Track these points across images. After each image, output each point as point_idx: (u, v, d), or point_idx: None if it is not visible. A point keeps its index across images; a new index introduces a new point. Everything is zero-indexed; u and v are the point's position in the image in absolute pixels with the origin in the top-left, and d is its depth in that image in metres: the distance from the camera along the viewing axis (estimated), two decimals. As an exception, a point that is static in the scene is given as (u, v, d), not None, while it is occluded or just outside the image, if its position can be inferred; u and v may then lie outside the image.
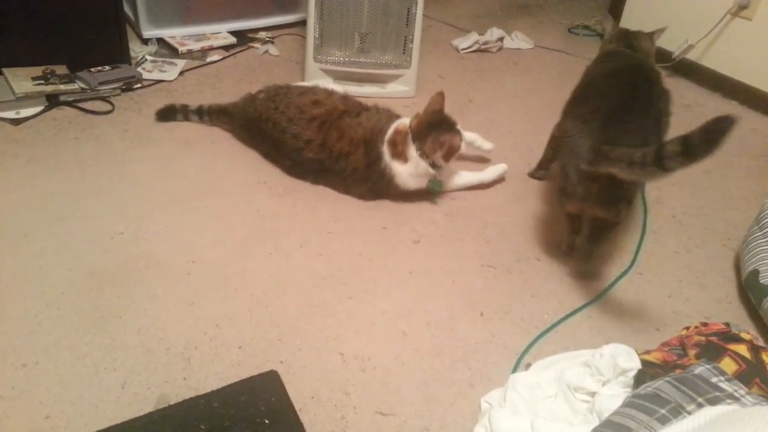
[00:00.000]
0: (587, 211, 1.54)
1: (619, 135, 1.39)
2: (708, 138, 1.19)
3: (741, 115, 2.50)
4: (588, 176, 1.42)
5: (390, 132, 1.79)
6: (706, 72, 2.66)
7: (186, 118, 2.09)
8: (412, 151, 1.76)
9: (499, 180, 1.95)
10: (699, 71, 2.68)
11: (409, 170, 1.78)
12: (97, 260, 1.53)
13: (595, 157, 1.37)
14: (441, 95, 1.81)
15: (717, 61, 2.62)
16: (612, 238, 1.72)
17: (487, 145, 2.05)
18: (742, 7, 2.47)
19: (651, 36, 1.84)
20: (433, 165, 1.77)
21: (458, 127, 1.80)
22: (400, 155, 1.77)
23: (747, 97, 2.54)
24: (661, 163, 1.25)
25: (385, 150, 1.77)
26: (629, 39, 1.83)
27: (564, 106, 1.77)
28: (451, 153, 1.77)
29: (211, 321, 1.40)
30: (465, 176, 1.91)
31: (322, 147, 1.80)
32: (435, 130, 1.75)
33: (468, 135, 1.96)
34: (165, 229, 1.65)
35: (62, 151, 1.91)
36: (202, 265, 1.55)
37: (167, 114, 2.09)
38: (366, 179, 1.80)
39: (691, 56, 2.68)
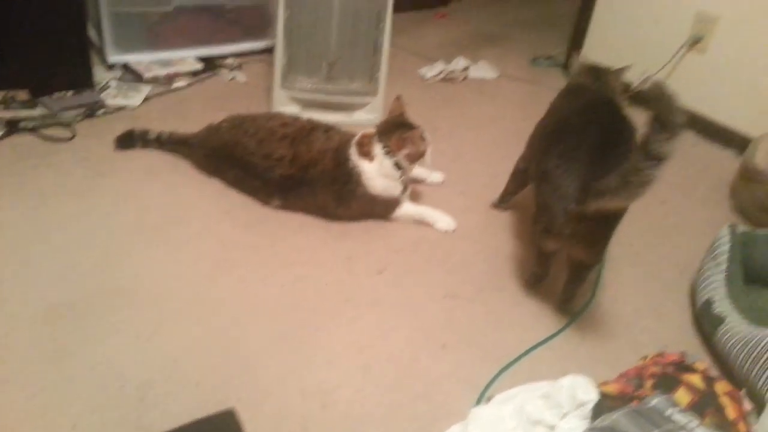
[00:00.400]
0: (568, 252, 1.55)
1: (604, 174, 1.37)
2: (665, 110, 1.27)
3: (697, 143, 2.58)
4: (576, 216, 1.42)
5: (357, 136, 1.85)
6: (664, 103, 2.73)
7: (145, 146, 2.07)
8: (378, 148, 1.81)
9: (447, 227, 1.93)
10: (657, 102, 2.76)
11: (375, 168, 1.81)
12: (55, 292, 1.50)
13: (585, 197, 1.38)
14: (399, 100, 1.90)
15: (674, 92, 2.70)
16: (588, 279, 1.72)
17: (434, 177, 2.09)
18: (697, 41, 2.56)
19: (617, 73, 1.87)
20: (398, 165, 1.81)
21: (423, 130, 1.84)
22: (366, 154, 1.81)
23: (702, 127, 2.62)
24: (651, 152, 1.27)
25: (353, 150, 1.82)
26: (598, 74, 1.84)
27: (531, 139, 1.82)
28: (415, 153, 1.81)
29: (169, 355, 1.37)
30: (410, 208, 1.92)
31: (293, 162, 1.82)
32: (399, 128, 1.81)
33: (416, 171, 1.99)
34: (126, 260, 1.63)
35: (22, 180, 1.87)
36: (163, 297, 1.53)
37: (126, 141, 2.06)
38: (334, 181, 1.81)
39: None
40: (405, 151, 1.80)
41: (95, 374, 1.32)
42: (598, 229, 1.47)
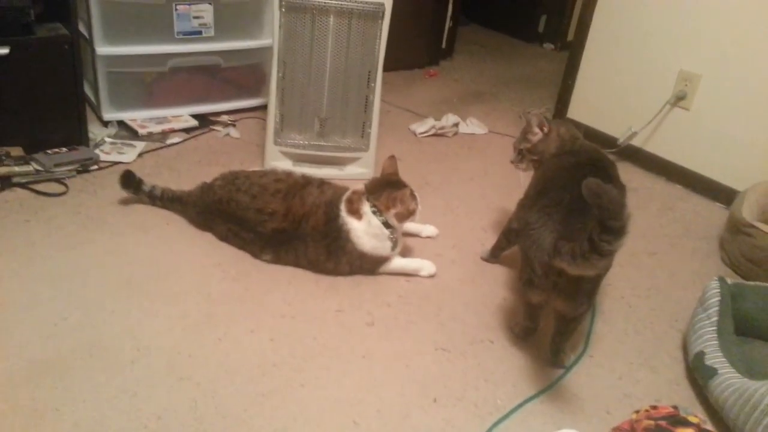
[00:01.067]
0: (552, 304, 1.54)
1: (582, 227, 1.36)
2: (610, 212, 1.23)
3: (684, 197, 2.61)
4: (552, 269, 1.41)
5: (348, 192, 1.86)
6: (650, 157, 2.79)
7: (137, 193, 2.06)
8: (366, 207, 1.81)
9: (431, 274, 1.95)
10: (643, 157, 2.81)
11: (363, 227, 1.81)
12: (38, 348, 1.48)
13: (554, 252, 1.38)
14: (393, 159, 1.91)
15: (659, 147, 2.76)
16: (580, 331, 1.73)
17: (428, 231, 2.11)
18: (680, 98, 2.63)
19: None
20: (387, 224, 1.81)
21: (412, 189, 1.85)
22: (355, 212, 1.81)
23: (689, 181, 2.66)
24: (597, 248, 1.26)
25: (343, 207, 1.83)
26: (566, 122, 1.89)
27: (522, 199, 1.83)
28: (404, 212, 1.81)
29: (154, 413, 1.35)
30: (397, 263, 1.92)
31: (285, 216, 1.83)
32: (389, 188, 1.82)
33: (409, 225, 2.00)
34: (112, 314, 1.61)
35: (12, 234, 1.87)
36: (148, 353, 1.51)
37: (127, 180, 2.04)
38: (324, 236, 1.82)
39: (635, 142, 2.81)
40: (394, 211, 1.80)
41: (77, 432, 1.29)
42: (579, 284, 1.44)
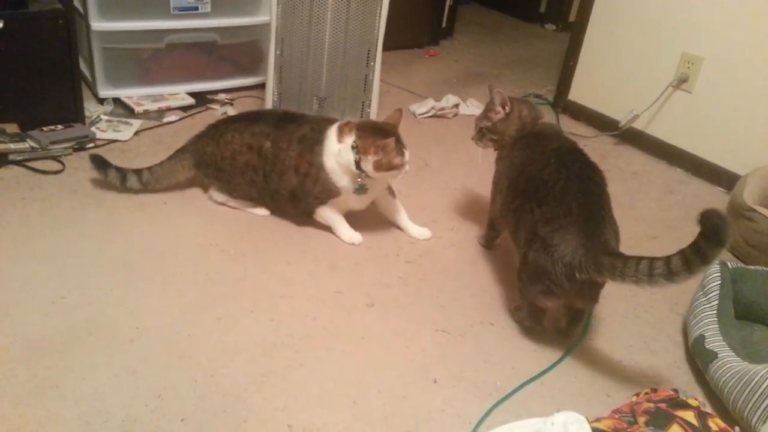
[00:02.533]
0: (570, 305, 1.57)
1: (599, 232, 1.44)
2: (712, 239, 1.25)
3: (686, 181, 2.60)
4: (581, 281, 1.42)
5: (342, 121, 1.86)
6: (652, 140, 2.77)
7: (107, 176, 1.98)
8: (349, 139, 1.78)
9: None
10: (645, 140, 2.80)
11: (335, 150, 1.80)
12: (37, 326, 1.47)
13: (596, 272, 1.39)
14: (399, 112, 1.87)
15: (661, 130, 2.74)
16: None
17: (420, 233, 2.02)
18: (683, 81, 2.61)
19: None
20: (358, 165, 1.78)
21: (405, 150, 1.79)
22: (339, 136, 1.80)
23: (691, 165, 2.65)
24: (673, 277, 1.32)
25: (333, 128, 1.83)
26: (527, 102, 1.85)
27: (495, 194, 1.81)
28: (384, 163, 1.75)
29: (154, 391, 1.34)
30: (328, 212, 1.93)
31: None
32: (378, 134, 1.76)
33: (401, 221, 2.02)
34: (110, 293, 1.60)
35: (8, 212, 1.85)
36: (147, 332, 1.50)
37: (98, 162, 1.99)
38: (303, 151, 1.84)
39: (637, 125, 2.80)
40: (371, 157, 1.74)
41: (78, 409, 1.28)
42: (601, 284, 1.51)
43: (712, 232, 1.25)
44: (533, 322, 1.63)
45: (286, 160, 1.86)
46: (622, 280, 1.37)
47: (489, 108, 1.81)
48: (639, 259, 1.35)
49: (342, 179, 1.83)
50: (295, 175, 1.87)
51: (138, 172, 1.98)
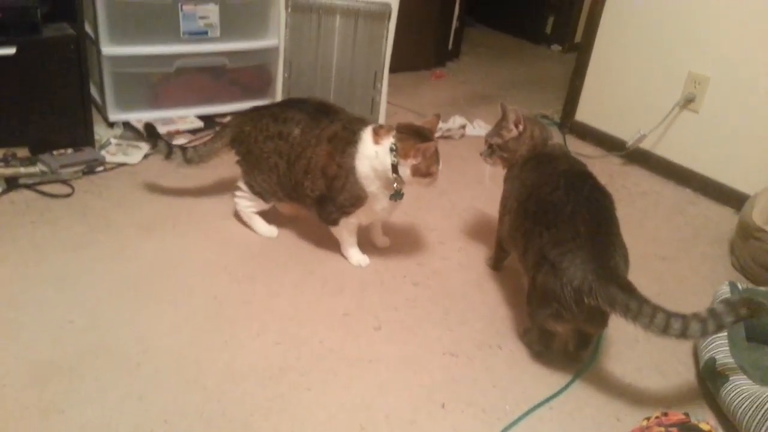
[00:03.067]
0: (579, 329, 1.56)
1: (608, 256, 1.44)
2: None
3: (694, 201, 2.59)
4: (590, 305, 1.41)
5: (376, 125, 1.79)
6: (659, 160, 2.77)
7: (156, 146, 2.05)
8: (387, 141, 1.72)
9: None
10: (652, 160, 2.79)
11: (371, 153, 1.72)
12: (45, 350, 1.47)
13: (608, 300, 1.38)
14: (437, 117, 1.83)
15: (669, 150, 2.74)
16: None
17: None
18: (689, 101, 2.61)
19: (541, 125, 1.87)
20: (395, 169, 1.71)
21: (438, 152, 1.73)
22: (375, 138, 1.74)
23: (699, 184, 2.64)
24: (686, 338, 1.36)
25: (367, 130, 1.76)
26: (538, 122, 1.86)
27: (504, 215, 1.79)
28: (421, 168, 1.70)
29: (160, 416, 1.34)
30: (349, 228, 1.89)
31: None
32: (417, 137, 1.71)
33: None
34: (118, 317, 1.60)
35: (18, 236, 1.87)
36: (154, 355, 1.50)
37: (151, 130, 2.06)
38: (334, 139, 1.77)
39: (644, 145, 2.79)
40: (411, 161, 1.69)
41: (83, 435, 1.28)
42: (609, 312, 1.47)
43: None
44: (543, 346, 1.61)
45: (313, 158, 1.80)
46: (632, 322, 1.36)
47: (501, 125, 1.81)
48: (655, 309, 1.35)
49: (372, 185, 1.76)
50: (322, 178, 1.80)
51: (184, 149, 2.04)
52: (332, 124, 1.81)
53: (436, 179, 1.76)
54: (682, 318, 1.32)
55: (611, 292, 1.37)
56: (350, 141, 1.76)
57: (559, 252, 1.46)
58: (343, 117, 1.85)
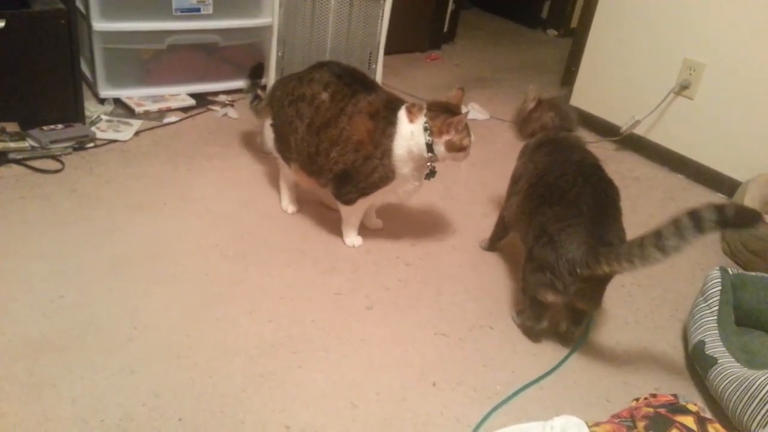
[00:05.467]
0: (571, 304, 1.58)
1: (603, 233, 1.49)
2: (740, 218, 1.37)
3: (687, 187, 2.60)
4: (583, 277, 1.46)
5: (408, 104, 1.77)
6: (653, 146, 2.77)
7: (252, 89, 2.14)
8: (420, 119, 1.70)
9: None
10: (646, 146, 2.80)
11: (406, 133, 1.70)
12: (35, 325, 1.47)
13: (596, 262, 1.43)
14: (461, 91, 1.81)
15: (663, 136, 2.74)
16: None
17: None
18: (684, 87, 2.61)
19: (570, 106, 1.97)
20: (429, 147, 1.70)
21: (471, 133, 1.75)
22: (411, 118, 1.72)
23: (692, 171, 2.65)
24: (664, 247, 1.36)
25: (403, 113, 1.73)
26: (557, 110, 1.87)
27: (512, 192, 1.81)
28: (455, 142, 1.70)
29: (151, 391, 1.33)
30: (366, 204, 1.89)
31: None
32: (447, 112, 1.71)
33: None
34: (109, 293, 1.59)
35: (7, 211, 1.85)
36: (145, 332, 1.49)
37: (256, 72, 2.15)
38: (375, 115, 1.74)
39: (638, 131, 2.80)
40: (445, 137, 1.68)
41: (76, 408, 1.27)
42: (602, 284, 1.55)
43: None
44: (534, 320, 1.62)
45: (347, 129, 1.73)
46: (618, 263, 1.40)
47: (528, 98, 1.90)
48: (641, 240, 1.38)
49: (405, 167, 1.74)
50: (353, 153, 1.74)
51: (257, 98, 2.12)
52: (373, 99, 1.75)
53: (469, 152, 1.76)
54: (671, 225, 1.35)
55: (598, 252, 1.43)
56: (391, 121, 1.73)
57: (559, 227, 1.51)
58: (381, 92, 1.80)
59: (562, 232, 1.50)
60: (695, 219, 1.33)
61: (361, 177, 1.76)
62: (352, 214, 1.89)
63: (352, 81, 1.79)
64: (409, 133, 1.70)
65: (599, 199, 1.56)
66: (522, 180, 1.77)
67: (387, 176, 1.75)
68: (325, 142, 1.77)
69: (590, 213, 1.51)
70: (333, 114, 1.75)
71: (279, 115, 1.89)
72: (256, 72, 2.13)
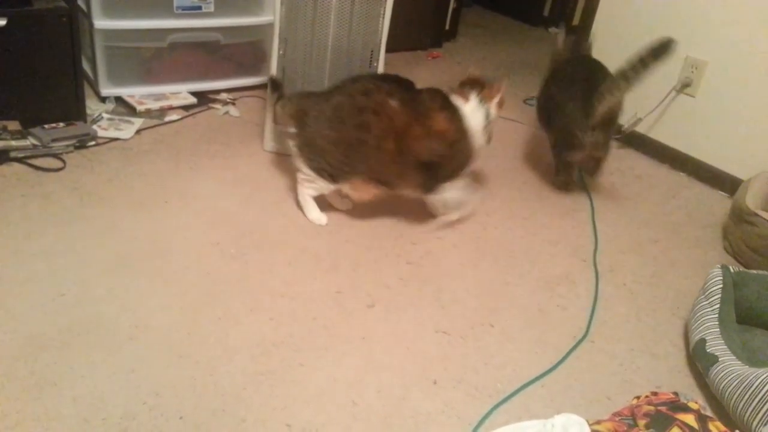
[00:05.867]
0: (590, 156, 2.24)
1: (591, 97, 2.10)
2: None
3: (688, 185, 2.60)
4: (591, 127, 2.12)
5: (446, 89, 1.99)
6: (655, 144, 2.76)
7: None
8: (469, 96, 1.95)
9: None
10: (648, 143, 2.79)
11: (469, 111, 1.93)
12: (36, 323, 1.47)
13: (592, 111, 2.10)
14: (475, 67, 2.08)
15: (664, 134, 2.74)
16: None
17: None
18: (686, 85, 2.60)
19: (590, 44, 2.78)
20: (488, 115, 1.97)
21: None
22: (464, 99, 1.95)
23: (693, 169, 2.64)
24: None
25: (455, 98, 1.95)
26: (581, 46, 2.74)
27: (556, 95, 2.31)
28: (503, 101, 2.01)
29: (152, 389, 1.33)
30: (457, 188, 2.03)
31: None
32: (479, 84, 1.98)
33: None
34: (110, 292, 1.60)
35: (8, 209, 1.85)
36: (146, 330, 1.49)
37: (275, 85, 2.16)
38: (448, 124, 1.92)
39: (640, 129, 2.79)
40: (497, 97, 1.97)
41: (77, 406, 1.27)
42: (607, 131, 2.18)
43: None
44: (568, 175, 2.34)
45: (427, 122, 1.87)
46: (604, 97, 2.06)
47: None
48: (603, 84, 2.08)
49: (480, 139, 1.96)
50: (440, 143, 1.89)
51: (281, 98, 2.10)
52: (427, 98, 1.91)
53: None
54: (628, 67, 2.06)
55: (594, 101, 2.07)
56: (453, 108, 1.93)
57: (565, 98, 2.22)
58: (422, 89, 1.96)
59: (569, 102, 2.17)
60: (641, 62, 2.03)
61: (451, 161, 1.94)
62: (451, 201, 2.02)
63: (399, 85, 1.94)
64: (471, 111, 1.94)
65: (590, 76, 2.21)
66: (565, 96, 2.25)
67: (471, 154, 1.98)
68: (412, 143, 1.87)
69: (581, 94, 2.14)
70: (409, 117, 1.87)
71: (321, 135, 1.89)
72: (275, 86, 2.13)
